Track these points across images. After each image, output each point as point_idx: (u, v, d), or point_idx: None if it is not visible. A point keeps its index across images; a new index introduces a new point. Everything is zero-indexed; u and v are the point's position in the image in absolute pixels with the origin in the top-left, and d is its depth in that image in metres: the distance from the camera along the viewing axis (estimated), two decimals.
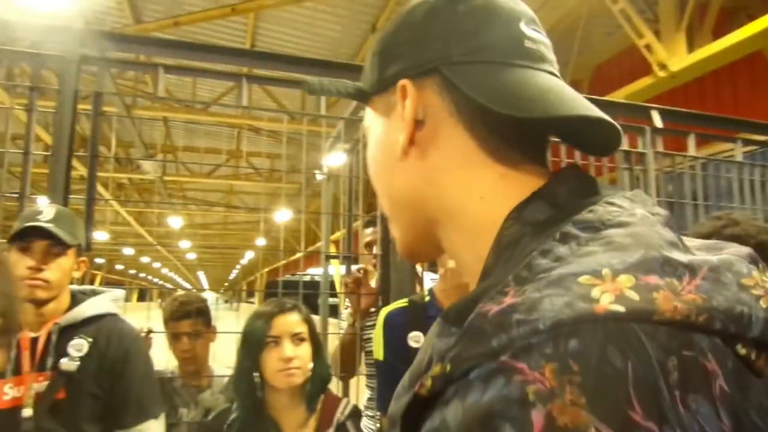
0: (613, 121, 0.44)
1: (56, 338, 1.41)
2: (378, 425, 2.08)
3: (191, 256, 27.39)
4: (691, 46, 4.03)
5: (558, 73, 0.50)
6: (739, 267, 0.37)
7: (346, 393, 2.23)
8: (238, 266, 34.37)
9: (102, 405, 1.43)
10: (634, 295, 0.32)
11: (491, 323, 0.34)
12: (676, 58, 4.04)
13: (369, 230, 2.34)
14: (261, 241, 18.05)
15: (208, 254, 29.32)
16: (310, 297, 2.26)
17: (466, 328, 0.36)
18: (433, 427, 0.34)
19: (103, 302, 1.54)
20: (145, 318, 2.21)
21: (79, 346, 1.42)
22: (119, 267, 34.07)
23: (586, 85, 6.29)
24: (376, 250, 2.26)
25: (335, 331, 2.30)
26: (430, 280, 2.22)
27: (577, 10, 5.39)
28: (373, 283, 2.14)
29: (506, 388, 0.31)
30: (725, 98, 5.23)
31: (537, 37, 0.49)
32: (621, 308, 0.32)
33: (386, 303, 2.00)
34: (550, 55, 0.50)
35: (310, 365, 1.49)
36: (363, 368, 2.14)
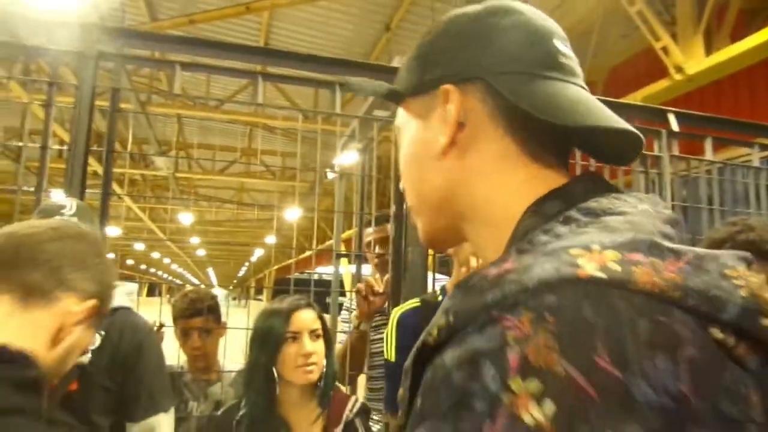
0: (637, 132, 0.49)
1: None
2: (379, 427, 2.07)
3: (201, 252, 27.56)
4: (709, 49, 3.99)
5: (586, 87, 0.55)
6: (725, 260, 0.40)
7: (353, 391, 2.24)
8: (247, 263, 34.53)
9: (114, 398, 1.44)
10: (617, 267, 0.37)
11: (489, 282, 0.40)
12: (694, 60, 4.00)
13: (370, 230, 2.32)
14: (271, 239, 18.13)
15: (218, 251, 29.49)
16: (318, 295, 2.26)
17: (468, 285, 0.42)
18: (432, 367, 0.40)
19: (117, 295, 1.55)
20: (157, 312, 2.22)
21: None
22: (130, 262, 34.34)
23: (600, 87, 6.24)
24: (378, 249, 2.25)
25: (340, 329, 2.30)
26: (436, 282, 2.21)
27: (594, 11, 5.36)
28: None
29: (491, 335, 0.36)
30: (743, 102, 5.17)
31: (568, 53, 0.54)
32: (602, 275, 0.36)
33: (396, 305, 2.00)
34: (579, 69, 0.55)
35: (324, 362, 1.50)
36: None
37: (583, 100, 0.51)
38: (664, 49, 4.15)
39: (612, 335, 0.33)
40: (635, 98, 4.37)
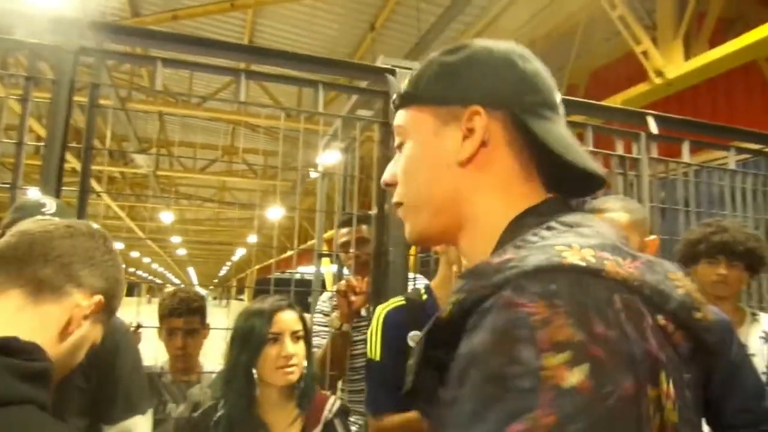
0: (603, 177, 0.63)
1: None
2: (357, 427, 2.07)
3: (182, 251, 27.27)
4: (688, 54, 4.05)
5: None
6: (669, 267, 0.52)
7: (334, 392, 2.23)
8: (228, 263, 34.26)
9: (89, 399, 1.42)
10: (592, 260, 0.48)
11: (493, 268, 0.50)
12: (673, 65, 4.06)
13: (344, 230, 2.29)
14: (253, 238, 18.01)
15: (199, 250, 29.21)
16: (300, 295, 2.25)
17: (474, 270, 0.52)
18: (465, 350, 0.47)
19: None
20: (135, 313, 2.19)
21: None
22: None
23: (582, 89, 6.31)
24: (354, 250, 2.23)
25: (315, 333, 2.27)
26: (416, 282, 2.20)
27: (576, 15, 5.41)
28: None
29: (515, 317, 0.44)
30: (720, 107, 5.26)
31: (560, 100, 0.66)
32: (582, 264, 0.47)
33: (377, 305, 1.99)
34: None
35: (305, 363, 1.49)
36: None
37: (575, 142, 0.63)
38: (645, 54, 4.21)
39: (599, 310, 0.44)
40: (615, 101, 4.42)
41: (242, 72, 2.10)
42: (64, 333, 0.81)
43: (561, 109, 0.66)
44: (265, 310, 1.47)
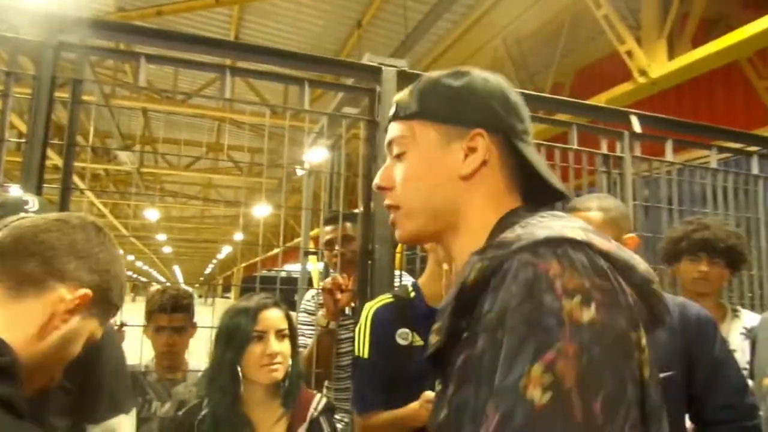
0: (566, 192, 0.77)
1: None
2: (343, 425, 2.06)
3: (167, 249, 27.04)
4: (672, 54, 4.09)
5: None
6: (631, 252, 0.66)
7: (319, 391, 2.22)
8: (214, 261, 34.04)
9: (72, 399, 1.40)
10: (583, 236, 0.61)
11: (510, 240, 0.62)
12: (656, 65, 4.10)
13: (329, 228, 2.28)
14: (239, 236, 17.91)
15: (184, 248, 28.99)
16: (286, 293, 2.23)
17: (494, 244, 0.64)
18: (496, 303, 0.58)
19: None
20: (118, 311, 2.17)
21: None
22: None
23: (567, 89, 6.35)
24: (339, 248, 2.22)
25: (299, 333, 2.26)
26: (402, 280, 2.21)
27: (562, 14, 5.44)
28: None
29: (536, 273, 0.57)
30: (702, 106, 5.33)
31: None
32: (577, 238, 0.60)
33: (363, 303, 1.99)
34: None
35: (290, 362, 1.48)
36: None
37: (544, 162, 0.77)
38: (629, 53, 4.25)
39: (594, 268, 0.58)
40: (600, 100, 4.46)
41: (227, 68, 2.09)
42: (45, 329, 0.79)
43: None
44: (250, 308, 1.46)
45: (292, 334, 1.52)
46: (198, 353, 2.13)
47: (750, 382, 1.63)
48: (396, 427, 1.46)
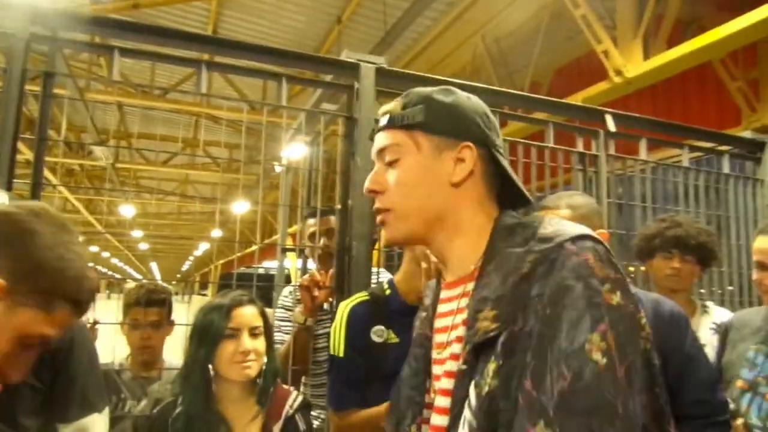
0: (530, 198, 0.89)
1: None
2: (319, 422, 2.06)
3: (143, 246, 26.66)
4: (647, 54, 4.16)
5: None
6: None
7: (297, 388, 2.22)
8: (191, 257, 33.66)
9: (42, 398, 1.38)
10: (596, 234, 0.77)
11: (548, 236, 0.75)
12: (632, 64, 4.16)
13: (312, 221, 2.27)
14: (216, 233, 17.74)
15: (161, 244, 28.62)
16: (264, 289, 2.22)
17: (537, 238, 0.76)
18: (542, 290, 0.70)
19: None
20: (91, 309, 2.14)
21: None
22: None
23: (545, 88, 6.41)
24: (322, 241, 2.22)
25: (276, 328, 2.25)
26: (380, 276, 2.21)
27: (540, 13, 5.49)
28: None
29: (579, 262, 0.71)
30: (676, 106, 5.42)
31: None
32: (593, 234, 0.75)
33: (340, 299, 1.98)
34: None
35: (264, 359, 1.48)
36: None
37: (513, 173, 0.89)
38: (605, 53, 4.30)
39: (610, 260, 0.73)
40: (576, 99, 4.51)
41: (203, 63, 2.06)
42: None
43: None
44: (223, 305, 1.45)
45: (267, 332, 1.51)
46: (175, 351, 2.11)
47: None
48: (372, 426, 1.47)
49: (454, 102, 0.86)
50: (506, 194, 0.88)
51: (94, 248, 27.12)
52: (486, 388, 0.70)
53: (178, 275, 47.69)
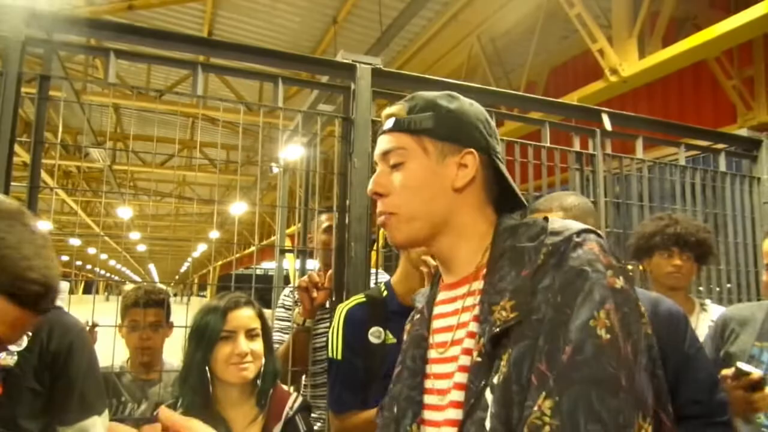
0: (525, 202, 0.92)
1: None
2: (321, 424, 2.06)
3: (141, 247, 26.62)
4: (642, 53, 4.17)
5: None
6: None
7: (297, 389, 2.22)
8: (189, 259, 33.63)
9: (42, 401, 1.38)
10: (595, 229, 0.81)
11: (557, 230, 0.79)
12: (627, 63, 4.17)
13: (324, 216, 2.30)
14: (214, 234, 17.72)
15: (159, 246, 28.59)
16: (262, 291, 2.22)
17: (549, 232, 0.79)
18: (554, 279, 0.74)
19: None
20: (90, 311, 2.14)
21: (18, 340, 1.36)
22: (64, 258, 32.81)
23: (541, 87, 6.42)
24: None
25: (277, 328, 2.26)
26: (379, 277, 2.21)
27: (536, 12, 5.49)
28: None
29: (587, 252, 0.75)
30: (672, 104, 5.44)
31: None
32: (591, 228, 0.80)
33: (339, 300, 1.98)
34: None
35: (263, 361, 1.48)
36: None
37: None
38: (601, 52, 4.31)
39: (611, 251, 0.77)
40: (572, 98, 4.51)
41: (199, 65, 2.06)
42: None
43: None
44: (220, 307, 1.45)
45: (265, 333, 1.51)
46: (175, 353, 2.11)
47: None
48: (373, 427, 1.47)
49: (458, 108, 0.88)
50: (502, 198, 0.91)
51: (92, 250, 27.09)
52: (501, 377, 0.73)
53: (177, 277, 47.62)
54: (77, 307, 1.73)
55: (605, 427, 0.64)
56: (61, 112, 2.03)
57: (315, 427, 1.89)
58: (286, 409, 1.48)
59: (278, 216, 3.13)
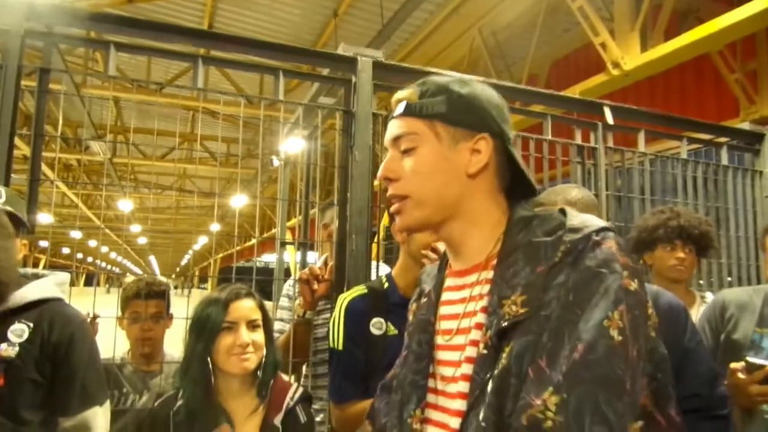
0: (537, 189, 0.90)
1: None
2: (322, 415, 2.07)
3: (142, 240, 26.66)
4: (645, 46, 4.15)
5: None
6: None
7: (297, 380, 2.22)
8: (190, 252, 33.70)
9: (44, 392, 1.38)
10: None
11: (576, 227, 0.78)
12: (630, 57, 4.15)
13: (330, 211, 2.30)
14: (215, 227, 17.73)
15: (160, 239, 28.63)
16: (263, 283, 2.23)
17: (569, 229, 0.78)
18: (569, 276, 0.73)
19: (47, 286, 1.48)
20: (91, 303, 2.15)
21: (19, 332, 1.37)
22: (66, 251, 32.85)
23: (543, 80, 6.40)
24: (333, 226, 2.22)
25: (279, 317, 2.27)
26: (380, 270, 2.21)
27: (537, 6, 5.47)
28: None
29: (606, 251, 0.74)
30: (674, 98, 5.42)
31: None
32: (612, 227, 0.79)
33: (339, 292, 1.99)
34: None
35: (264, 352, 1.48)
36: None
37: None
38: (603, 45, 4.29)
39: (628, 251, 0.76)
40: (574, 91, 4.50)
41: (199, 57, 2.06)
42: None
43: None
44: (221, 298, 1.46)
45: (266, 324, 1.52)
46: (176, 344, 2.12)
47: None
48: None
49: (471, 93, 0.87)
50: (514, 185, 0.89)
51: (93, 242, 27.13)
52: (501, 368, 0.73)
53: (177, 269, 47.70)
54: (78, 299, 1.73)
55: (610, 429, 0.65)
56: (61, 105, 2.02)
57: (317, 419, 1.90)
58: (287, 399, 1.49)
59: (279, 209, 3.13)
